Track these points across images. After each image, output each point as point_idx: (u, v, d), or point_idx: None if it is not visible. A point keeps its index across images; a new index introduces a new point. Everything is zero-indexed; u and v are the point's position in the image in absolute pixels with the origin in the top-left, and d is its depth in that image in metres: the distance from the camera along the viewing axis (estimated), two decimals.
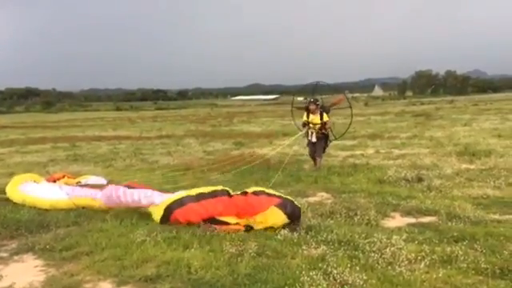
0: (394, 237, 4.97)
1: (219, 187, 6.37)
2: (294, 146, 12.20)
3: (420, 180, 8.49)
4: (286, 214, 5.78)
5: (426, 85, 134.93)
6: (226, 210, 5.97)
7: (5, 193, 7.84)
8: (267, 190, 6.27)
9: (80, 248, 5.25)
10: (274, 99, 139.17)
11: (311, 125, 10.30)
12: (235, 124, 31.56)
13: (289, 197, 6.21)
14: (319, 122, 10.23)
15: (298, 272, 4.20)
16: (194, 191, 6.24)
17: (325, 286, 3.95)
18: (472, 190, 7.66)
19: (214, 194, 6.11)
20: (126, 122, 40.58)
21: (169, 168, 11.42)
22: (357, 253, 4.73)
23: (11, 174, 10.94)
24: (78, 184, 8.38)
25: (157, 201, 6.37)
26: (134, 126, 34.06)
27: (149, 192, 6.66)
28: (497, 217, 6.14)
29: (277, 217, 5.75)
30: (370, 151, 13.61)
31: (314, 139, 10.27)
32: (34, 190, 7.64)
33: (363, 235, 5.17)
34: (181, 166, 11.76)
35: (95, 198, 7.05)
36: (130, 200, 6.63)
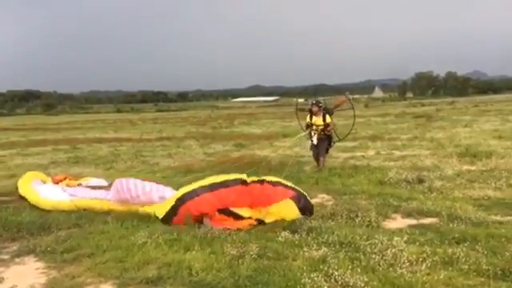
0: (395, 238, 4.96)
1: (232, 176, 6.32)
2: (295, 148, 12.20)
3: (421, 181, 8.49)
4: (299, 208, 5.97)
5: (427, 86, 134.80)
6: (240, 199, 6.01)
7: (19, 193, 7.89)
8: (284, 181, 6.36)
9: (81, 250, 5.25)
10: (274, 101, 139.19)
11: (314, 126, 10.36)
12: (236, 126, 31.57)
13: (303, 191, 6.30)
14: (322, 123, 10.30)
15: (299, 274, 4.20)
16: (207, 181, 6.25)
17: (326, 287, 3.95)
18: (473, 192, 7.67)
19: (226, 184, 6.13)
20: (126, 124, 40.60)
21: (169, 169, 11.43)
22: (358, 254, 4.73)
23: (12, 177, 10.96)
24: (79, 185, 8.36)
25: (168, 195, 6.39)
26: (134, 128, 34.07)
27: (160, 187, 6.70)
28: (498, 218, 6.15)
29: (290, 210, 5.90)
30: (371, 153, 13.62)
31: (315, 141, 10.29)
32: (43, 190, 7.64)
33: (364, 237, 5.17)
34: (181, 167, 11.78)
35: (102, 199, 7.00)
36: (141, 193, 6.58)
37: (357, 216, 6.12)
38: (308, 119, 10.52)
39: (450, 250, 4.67)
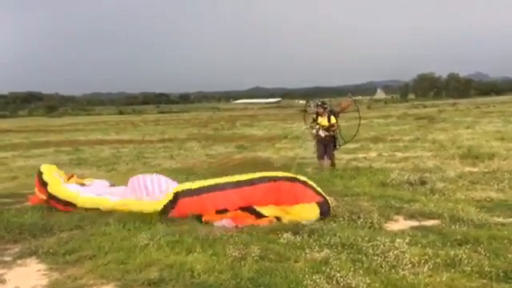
0: (398, 240, 4.95)
1: (258, 174, 6.44)
2: (297, 150, 12.19)
3: (423, 183, 8.47)
4: (320, 213, 6.13)
5: (429, 88, 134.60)
6: (265, 197, 6.13)
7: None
8: (315, 186, 6.47)
9: (83, 252, 5.25)
10: (275, 102, 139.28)
11: (318, 126, 10.61)
12: (237, 127, 31.60)
13: (329, 198, 6.43)
14: (327, 124, 10.55)
15: (301, 276, 4.19)
16: (234, 178, 6.42)
17: None
18: (475, 193, 7.64)
19: (252, 182, 6.27)
20: (128, 126, 40.68)
21: (171, 171, 11.44)
22: (360, 256, 4.72)
23: (14, 178, 10.99)
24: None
25: None
26: (136, 130, 34.14)
27: (175, 184, 6.73)
28: (500, 220, 6.13)
29: (312, 213, 6.05)
30: (373, 154, 13.61)
31: (322, 134, 10.49)
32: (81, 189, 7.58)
33: (366, 238, 5.15)
34: (183, 169, 11.79)
35: (109, 199, 6.98)
36: (158, 190, 6.64)
37: (359, 218, 6.10)
38: (313, 119, 10.82)
39: (452, 252, 4.66)
